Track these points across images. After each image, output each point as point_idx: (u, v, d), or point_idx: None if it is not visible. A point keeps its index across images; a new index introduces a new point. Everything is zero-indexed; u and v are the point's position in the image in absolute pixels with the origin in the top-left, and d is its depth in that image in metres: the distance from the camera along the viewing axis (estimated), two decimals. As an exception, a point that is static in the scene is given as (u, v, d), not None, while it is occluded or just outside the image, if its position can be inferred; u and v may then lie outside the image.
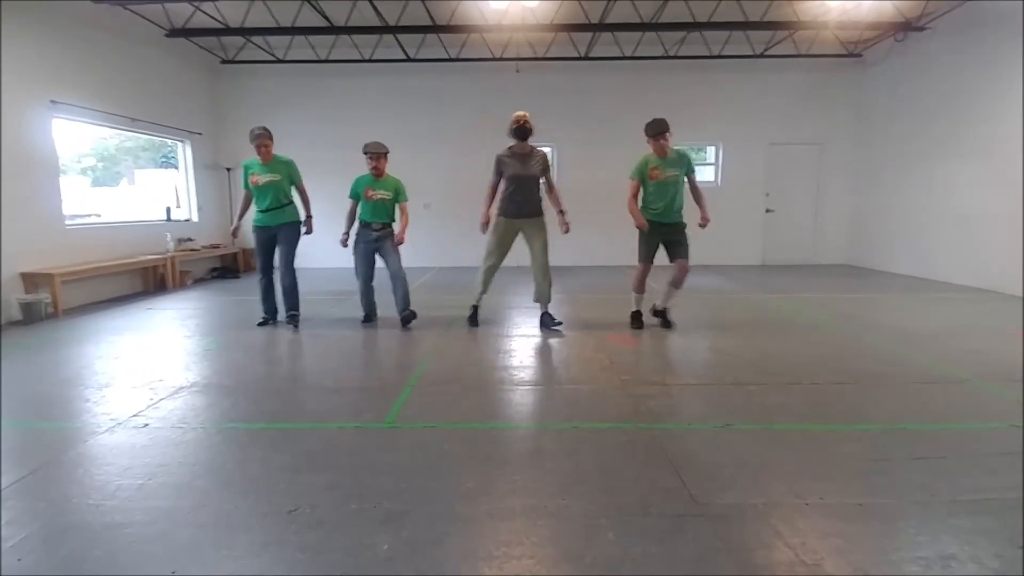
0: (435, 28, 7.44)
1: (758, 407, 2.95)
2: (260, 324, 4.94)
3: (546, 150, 7.06)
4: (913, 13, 7.29)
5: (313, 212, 4.97)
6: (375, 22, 7.25)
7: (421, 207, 8.40)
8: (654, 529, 1.84)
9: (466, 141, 9.14)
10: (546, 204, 4.64)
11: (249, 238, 5.10)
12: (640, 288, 4.73)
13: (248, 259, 9.17)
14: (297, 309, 4.90)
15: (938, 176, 7.37)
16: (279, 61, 8.75)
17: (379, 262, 4.92)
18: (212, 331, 4.90)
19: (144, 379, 3.50)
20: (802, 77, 9.04)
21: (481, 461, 2.36)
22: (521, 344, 4.33)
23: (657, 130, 4.38)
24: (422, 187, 8.33)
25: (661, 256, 4.61)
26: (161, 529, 1.87)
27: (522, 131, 4.42)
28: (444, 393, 3.22)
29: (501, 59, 8.60)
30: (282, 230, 4.76)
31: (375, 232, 4.79)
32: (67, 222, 6.17)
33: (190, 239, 8.12)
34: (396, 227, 4.91)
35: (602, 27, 7.44)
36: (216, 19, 7.28)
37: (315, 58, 8.66)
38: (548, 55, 8.60)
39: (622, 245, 8.54)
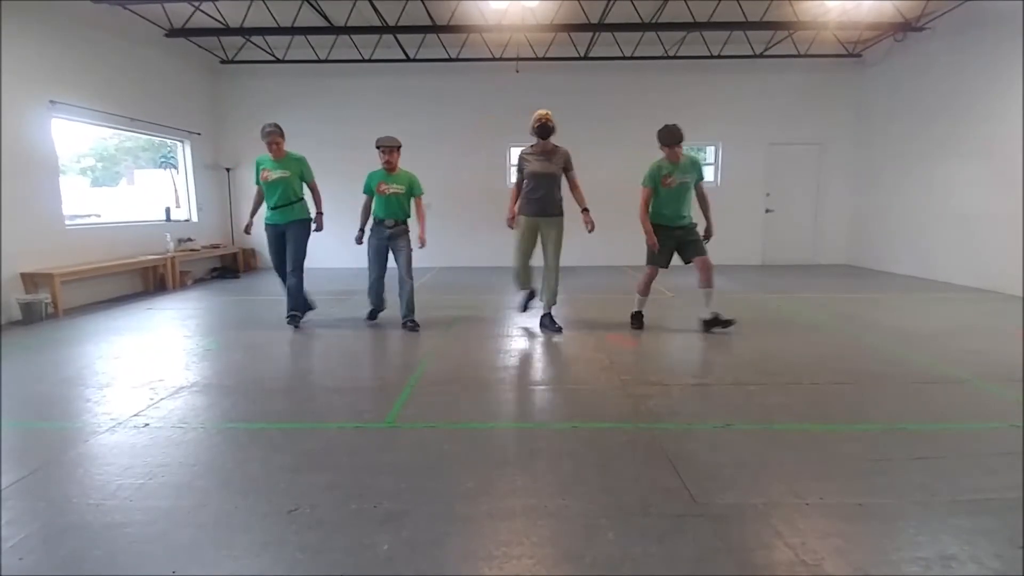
0: (435, 28, 7.43)
1: (758, 407, 2.95)
2: (289, 322, 4.93)
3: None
4: (913, 13, 7.30)
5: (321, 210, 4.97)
6: (375, 22, 7.26)
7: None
8: (654, 529, 1.84)
9: (466, 141, 9.15)
10: (571, 205, 4.57)
11: (252, 238, 5.10)
12: (644, 291, 4.71)
13: (248, 259, 9.19)
14: (299, 310, 4.88)
15: (938, 176, 7.37)
16: (279, 61, 8.75)
17: (391, 261, 4.88)
18: (212, 331, 4.90)
19: (144, 379, 3.50)
20: (802, 77, 9.05)
21: (481, 461, 2.36)
22: (521, 344, 4.33)
23: (673, 140, 4.32)
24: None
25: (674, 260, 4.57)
26: (161, 529, 1.87)
27: (544, 129, 4.38)
28: (444, 393, 3.22)
29: (501, 59, 8.60)
30: (291, 227, 4.74)
31: (388, 229, 4.75)
32: (67, 222, 6.16)
33: (190, 239, 8.12)
34: (411, 226, 4.84)
35: (602, 27, 7.44)
36: (216, 19, 7.28)
37: (315, 58, 8.66)
38: (548, 55, 8.60)
39: (622, 245, 8.58)
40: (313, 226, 4.88)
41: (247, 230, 4.89)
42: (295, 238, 4.75)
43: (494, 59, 8.60)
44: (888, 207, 8.41)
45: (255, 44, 8.44)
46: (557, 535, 1.82)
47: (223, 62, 8.96)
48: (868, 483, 2.14)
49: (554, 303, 4.70)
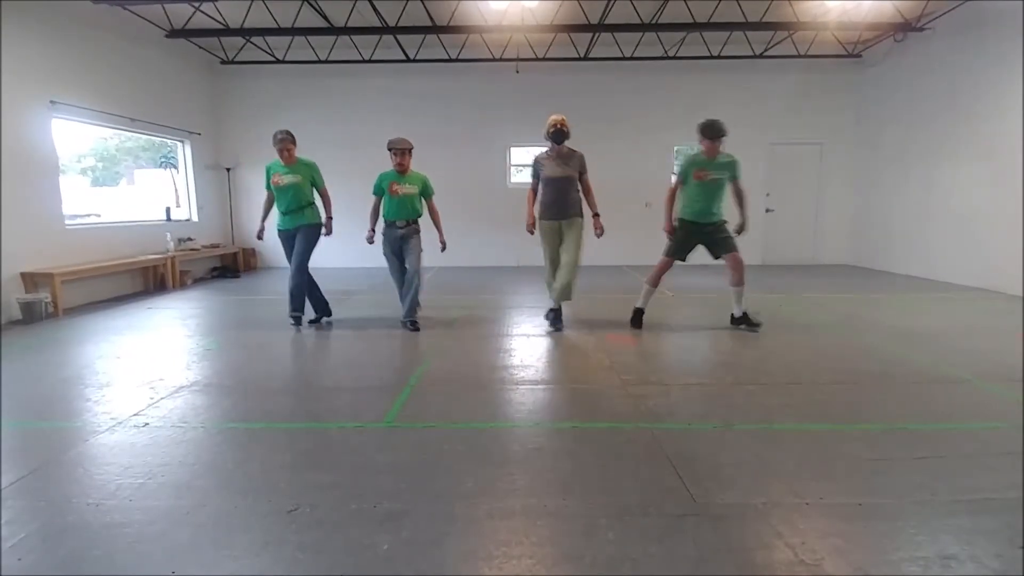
0: (435, 29, 7.44)
1: (758, 407, 2.95)
2: (312, 321, 5.02)
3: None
4: (913, 13, 7.30)
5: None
6: (375, 22, 7.26)
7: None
8: (654, 529, 1.84)
9: (466, 141, 9.13)
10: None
11: (253, 239, 5.11)
12: (655, 282, 4.70)
13: (248, 259, 9.20)
14: (301, 311, 4.91)
15: (938, 176, 7.37)
16: (279, 62, 8.75)
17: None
18: (212, 331, 4.91)
19: (144, 378, 3.50)
20: (802, 77, 9.04)
21: (481, 461, 2.36)
22: (521, 344, 4.33)
23: (714, 134, 4.40)
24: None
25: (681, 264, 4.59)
26: (161, 529, 1.87)
27: (559, 135, 4.41)
28: (444, 393, 3.22)
29: (501, 59, 8.60)
30: (300, 231, 4.79)
31: (400, 230, 4.76)
32: (67, 222, 6.16)
33: (190, 239, 8.12)
34: (422, 225, 4.87)
35: (602, 27, 7.44)
36: (216, 20, 7.29)
37: (315, 59, 8.66)
38: (548, 55, 8.60)
39: (622, 245, 8.57)
40: (323, 231, 4.92)
41: (259, 236, 4.98)
42: (303, 241, 4.80)
43: (494, 60, 8.60)
44: (888, 207, 8.41)
45: (255, 45, 8.44)
46: (557, 535, 1.82)
47: (223, 62, 8.96)
48: (868, 483, 2.14)
49: (566, 299, 4.61)
